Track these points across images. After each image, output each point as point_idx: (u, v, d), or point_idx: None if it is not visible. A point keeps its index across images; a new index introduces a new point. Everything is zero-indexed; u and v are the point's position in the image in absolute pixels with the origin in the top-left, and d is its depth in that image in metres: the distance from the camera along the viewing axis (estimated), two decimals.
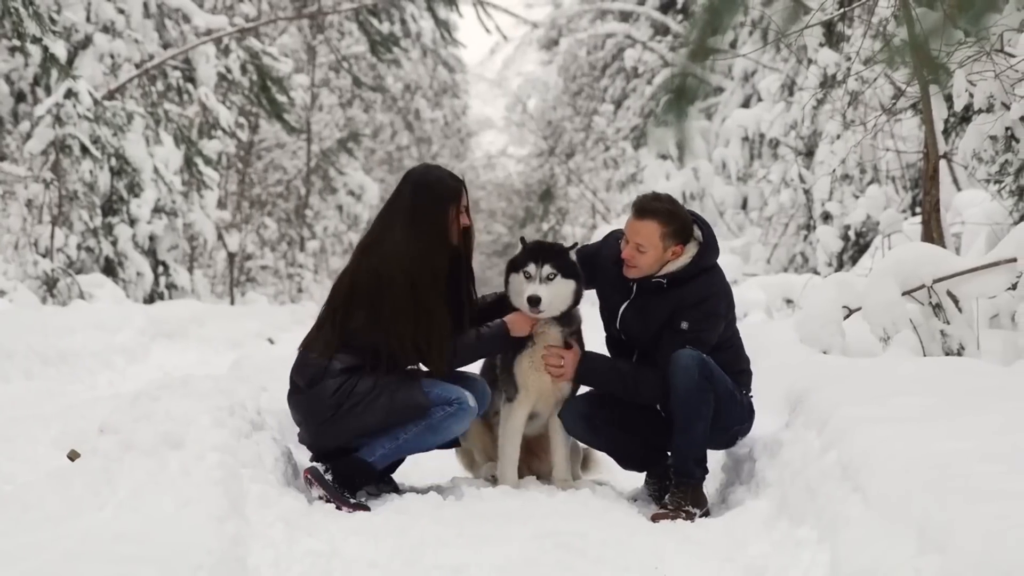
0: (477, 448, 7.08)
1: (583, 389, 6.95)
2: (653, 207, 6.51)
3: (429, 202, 6.45)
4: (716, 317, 6.61)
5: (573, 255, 6.62)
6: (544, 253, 6.60)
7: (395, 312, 6.31)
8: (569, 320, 6.71)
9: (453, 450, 7.11)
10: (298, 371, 6.52)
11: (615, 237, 6.84)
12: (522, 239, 6.85)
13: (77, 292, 16.74)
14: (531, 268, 6.55)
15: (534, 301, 6.48)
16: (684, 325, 6.48)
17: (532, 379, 6.71)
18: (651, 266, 6.54)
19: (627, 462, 7.05)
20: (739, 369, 6.74)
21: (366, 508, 6.15)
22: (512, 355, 6.73)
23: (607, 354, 6.89)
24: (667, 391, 6.41)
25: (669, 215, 6.50)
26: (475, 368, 6.88)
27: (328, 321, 6.49)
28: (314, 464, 6.30)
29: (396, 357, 6.36)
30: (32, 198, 17.50)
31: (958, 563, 3.80)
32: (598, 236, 7.09)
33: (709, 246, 6.61)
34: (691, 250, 6.59)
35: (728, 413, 6.53)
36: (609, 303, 6.80)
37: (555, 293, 6.53)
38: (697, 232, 6.61)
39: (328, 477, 6.21)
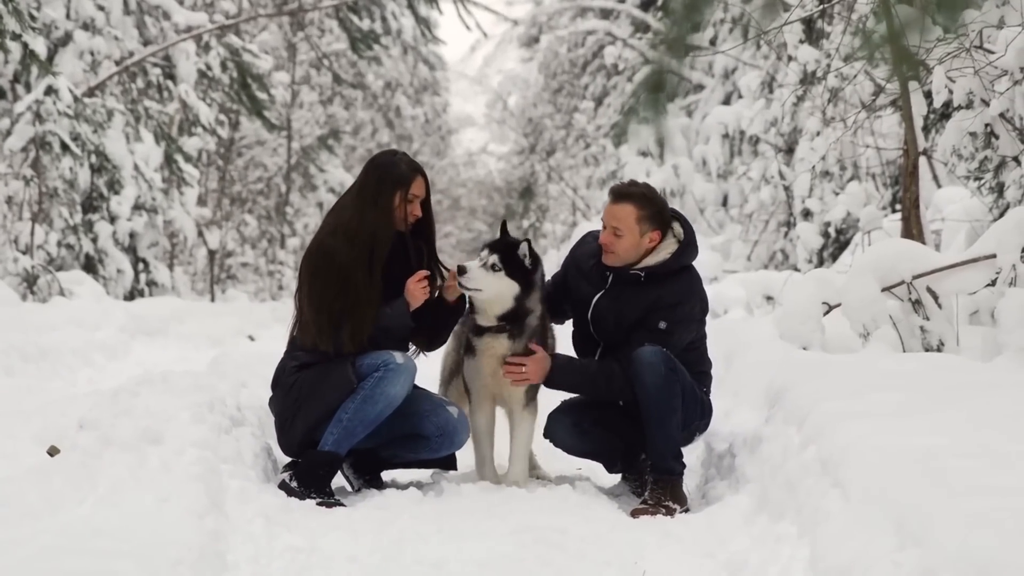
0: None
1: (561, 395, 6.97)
2: (629, 191, 6.62)
3: (375, 181, 6.49)
4: (691, 321, 6.67)
5: (527, 259, 6.53)
6: (497, 245, 6.57)
7: (325, 283, 6.34)
8: (520, 330, 6.60)
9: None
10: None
11: (593, 236, 6.87)
12: (503, 223, 6.82)
13: (57, 289, 16.64)
14: (483, 253, 6.55)
15: (461, 270, 6.45)
16: (662, 325, 6.51)
17: (478, 384, 6.72)
18: (627, 251, 6.57)
19: (613, 464, 7.05)
20: (701, 370, 6.80)
21: (340, 504, 6.14)
22: (461, 363, 6.83)
23: (572, 353, 6.87)
24: (635, 389, 6.42)
25: (644, 199, 6.58)
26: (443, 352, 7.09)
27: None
28: (282, 477, 6.29)
29: (319, 330, 6.34)
30: (12, 195, 17.41)
31: (937, 557, 3.81)
32: (578, 233, 7.11)
33: (689, 244, 6.65)
34: (670, 246, 6.63)
35: (690, 409, 6.56)
36: (583, 295, 6.79)
37: (488, 283, 6.48)
38: (678, 229, 6.65)
39: (294, 484, 6.21)
